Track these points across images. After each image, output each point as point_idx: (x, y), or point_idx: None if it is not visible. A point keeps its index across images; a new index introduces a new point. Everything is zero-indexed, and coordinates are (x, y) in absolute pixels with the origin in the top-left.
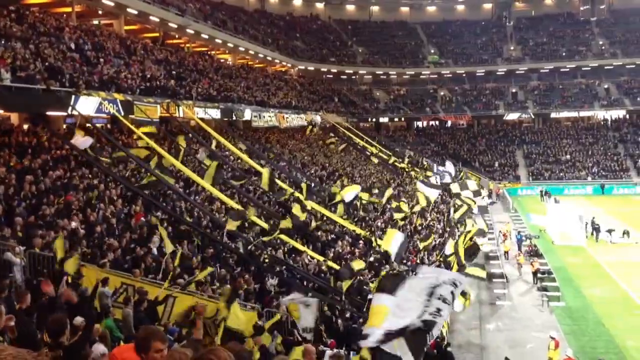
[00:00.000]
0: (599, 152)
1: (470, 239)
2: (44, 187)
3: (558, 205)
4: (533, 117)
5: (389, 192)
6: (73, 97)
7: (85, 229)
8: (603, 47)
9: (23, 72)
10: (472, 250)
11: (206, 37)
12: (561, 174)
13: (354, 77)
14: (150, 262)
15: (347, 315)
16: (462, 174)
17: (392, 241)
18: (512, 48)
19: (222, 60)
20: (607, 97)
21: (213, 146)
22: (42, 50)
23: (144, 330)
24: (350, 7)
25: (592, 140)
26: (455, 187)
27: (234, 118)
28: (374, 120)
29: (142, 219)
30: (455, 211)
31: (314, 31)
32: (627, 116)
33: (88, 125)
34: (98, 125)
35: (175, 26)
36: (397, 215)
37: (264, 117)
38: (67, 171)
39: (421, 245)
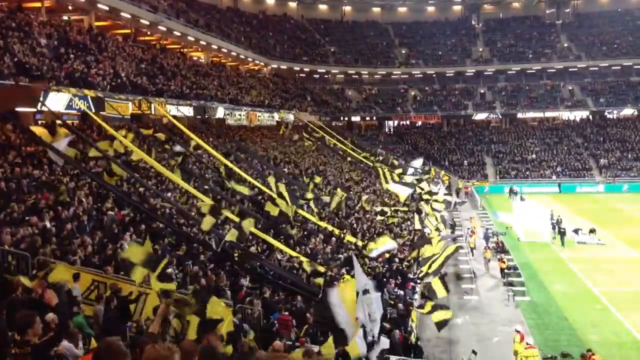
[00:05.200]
0: (563, 152)
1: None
2: (14, 184)
3: (524, 203)
4: (500, 117)
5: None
6: (42, 93)
7: (55, 227)
8: (568, 50)
9: None
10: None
11: (178, 34)
12: (527, 173)
13: (326, 76)
14: (122, 259)
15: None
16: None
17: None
18: (480, 49)
19: (194, 58)
20: (571, 99)
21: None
22: (10, 46)
23: (108, 346)
24: (323, 7)
25: (557, 140)
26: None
27: (207, 116)
28: (345, 119)
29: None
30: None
31: (287, 30)
32: (590, 117)
33: (58, 121)
34: (68, 122)
35: (147, 23)
36: (379, 218)
37: (236, 115)
38: (38, 168)
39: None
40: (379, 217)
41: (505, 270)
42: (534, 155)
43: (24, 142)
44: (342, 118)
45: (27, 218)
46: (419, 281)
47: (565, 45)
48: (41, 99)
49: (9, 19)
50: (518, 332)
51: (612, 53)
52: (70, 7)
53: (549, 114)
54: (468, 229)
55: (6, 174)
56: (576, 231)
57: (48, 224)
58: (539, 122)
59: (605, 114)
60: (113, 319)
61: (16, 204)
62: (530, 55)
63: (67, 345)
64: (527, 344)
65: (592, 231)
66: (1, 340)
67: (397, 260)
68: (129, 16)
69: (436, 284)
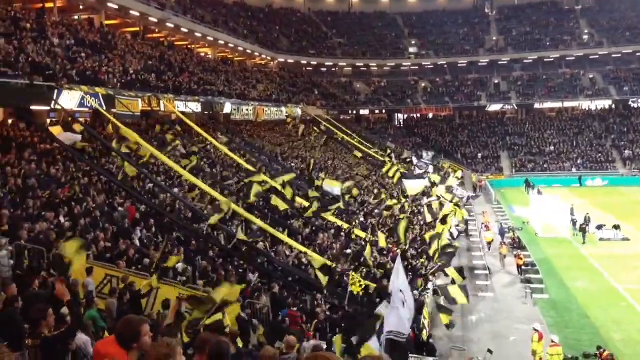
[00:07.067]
0: (584, 143)
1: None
2: (30, 180)
3: (541, 197)
4: (516, 108)
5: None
6: (56, 91)
7: (69, 222)
8: (588, 36)
9: (7, 68)
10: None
11: (186, 30)
12: (545, 166)
13: (334, 69)
14: (133, 254)
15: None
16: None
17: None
18: (494, 38)
19: (202, 54)
20: (593, 87)
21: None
22: (25, 45)
23: (128, 322)
24: None
25: (577, 131)
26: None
27: (214, 111)
28: (354, 112)
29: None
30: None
31: (294, 23)
32: (614, 106)
33: (70, 119)
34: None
35: (156, 20)
36: (386, 213)
37: (242, 110)
38: (52, 165)
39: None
40: (387, 214)
41: (523, 267)
42: (552, 147)
43: (38, 140)
44: (350, 111)
45: (43, 213)
46: (431, 277)
47: (586, 31)
48: (54, 97)
49: (23, 20)
50: (536, 330)
51: (636, 39)
52: (81, 7)
53: (568, 104)
54: (482, 224)
55: (23, 171)
56: (600, 227)
57: (62, 220)
58: (558, 112)
59: (630, 103)
60: (126, 312)
61: (32, 200)
62: (548, 43)
63: (84, 339)
64: (552, 341)
65: (616, 227)
66: (17, 332)
67: (409, 255)
68: (137, 14)
69: (455, 290)
